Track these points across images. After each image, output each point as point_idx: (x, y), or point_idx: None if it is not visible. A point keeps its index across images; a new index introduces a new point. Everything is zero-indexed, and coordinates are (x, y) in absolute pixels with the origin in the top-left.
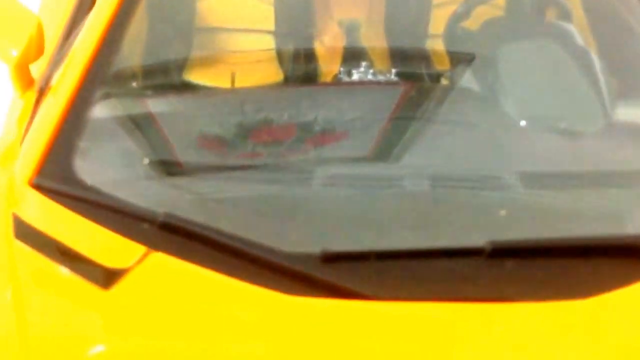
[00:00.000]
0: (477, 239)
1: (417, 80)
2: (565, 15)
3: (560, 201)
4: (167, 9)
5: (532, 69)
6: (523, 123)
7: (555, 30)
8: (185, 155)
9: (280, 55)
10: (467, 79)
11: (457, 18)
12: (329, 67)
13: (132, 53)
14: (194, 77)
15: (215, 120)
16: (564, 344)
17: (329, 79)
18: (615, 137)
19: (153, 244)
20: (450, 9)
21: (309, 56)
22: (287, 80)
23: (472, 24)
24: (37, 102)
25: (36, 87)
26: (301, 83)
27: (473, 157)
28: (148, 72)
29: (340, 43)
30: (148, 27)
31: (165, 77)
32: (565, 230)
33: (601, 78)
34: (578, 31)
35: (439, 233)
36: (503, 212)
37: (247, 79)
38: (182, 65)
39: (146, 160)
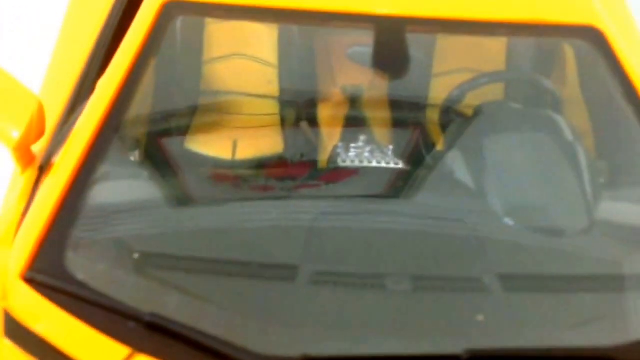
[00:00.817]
0: (454, 346)
1: (412, 157)
2: (556, 105)
3: (539, 305)
4: (173, 79)
5: (520, 162)
6: (508, 221)
7: (546, 122)
8: (176, 249)
9: (282, 121)
10: (458, 167)
11: (451, 102)
12: (330, 137)
13: (134, 129)
14: (196, 145)
15: (209, 219)
16: None
17: (329, 148)
18: (598, 237)
19: (138, 346)
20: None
21: (311, 122)
22: (287, 150)
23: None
24: (37, 181)
25: (37, 164)
26: (299, 157)
27: (455, 255)
28: (150, 142)
29: (343, 109)
30: (150, 105)
31: (167, 147)
32: (542, 337)
33: (587, 175)
34: (567, 124)
35: (416, 337)
36: (480, 318)
37: (249, 149)
38: (184, 131)
39: (136, 255)
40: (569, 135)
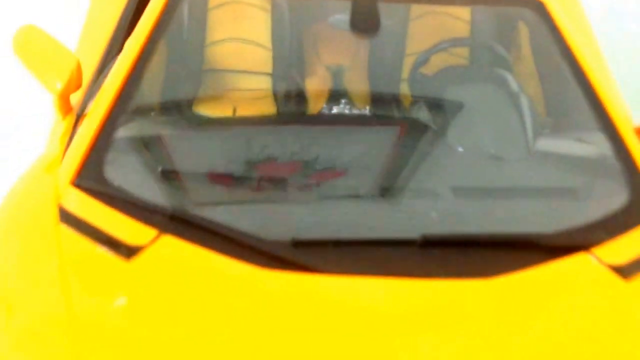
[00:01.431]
0: (413, 233)
1: (386, 116)
2: (506, 65)
3: (484, 208)
4: (180, 54)
5: (472, 107)
6: (460, 149)
7: (495, 77)
8: (187, 166)
9: (275, 94)
10: (424, 116)
11: (417, 65)
12: (315, 104)
13: (152, 88)
14: (201, 110)
15: (214, 144)
16: (470, 308)
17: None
18: (532, 163)
19: (163, 229)
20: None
21: (299, 94)
22: (279, 115)
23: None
24: (75, 125)
25: (74, 113)
26: (291, 117)
27: (416, 171)
28: (164, 104)
29: (327, 85)
30: (165, 69)
31: (178, 109)
32: (480, 229)
33: (528, 119)
34: (513, 79)
35: (385, 228)
36: (434, 215)
37: (246, 113)
38: (191, 100)
39: (158, 169)
40: (514, 87)
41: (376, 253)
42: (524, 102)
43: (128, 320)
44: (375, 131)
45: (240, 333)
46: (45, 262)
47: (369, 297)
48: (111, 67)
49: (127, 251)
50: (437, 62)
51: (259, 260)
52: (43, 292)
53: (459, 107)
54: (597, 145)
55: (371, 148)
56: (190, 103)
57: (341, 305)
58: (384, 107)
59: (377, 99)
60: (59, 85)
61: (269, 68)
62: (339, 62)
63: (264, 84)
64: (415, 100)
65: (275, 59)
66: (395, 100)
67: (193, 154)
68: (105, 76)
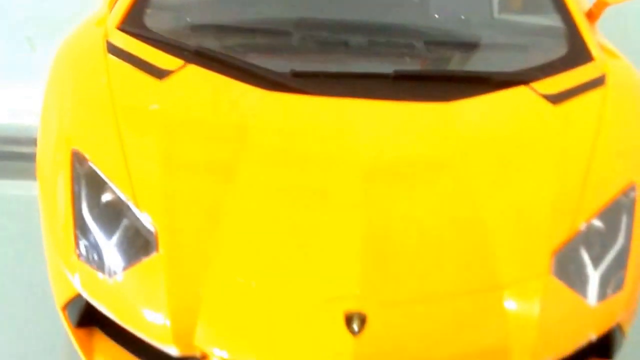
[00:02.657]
0: (389, 70)
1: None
2: None
3: (445, 54)
4: None
5: None
6: (436, 16)
7: None
8: (208, 15)
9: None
10: None
11: None
12: None
13: None
14: None
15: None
16: (430, 123)
17: None
18: (493, 26)
19: (188, 60)
20: None
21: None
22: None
23: None
24: None
25: None
26: None
27: (398, 28)
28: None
29: None
30: None
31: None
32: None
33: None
34: None
35: (366, 66)
36: (407, 60)
37: None
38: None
39: (186, 17)
40: None
41: (359, 82)
42: None
43: (159, 116)
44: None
45: (248, 133)
46: (96, 82)
47: (351, 111)
48: None
49: (160, 73)
50: None
51: (265, 86)
52: (94, 103)
53: None
54: (549, 18)
55: (367, 13)
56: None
57: (329, 115)
58: None
59: None
60: None
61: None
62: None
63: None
64: None
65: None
66: None
67: (212, 6)
68: None
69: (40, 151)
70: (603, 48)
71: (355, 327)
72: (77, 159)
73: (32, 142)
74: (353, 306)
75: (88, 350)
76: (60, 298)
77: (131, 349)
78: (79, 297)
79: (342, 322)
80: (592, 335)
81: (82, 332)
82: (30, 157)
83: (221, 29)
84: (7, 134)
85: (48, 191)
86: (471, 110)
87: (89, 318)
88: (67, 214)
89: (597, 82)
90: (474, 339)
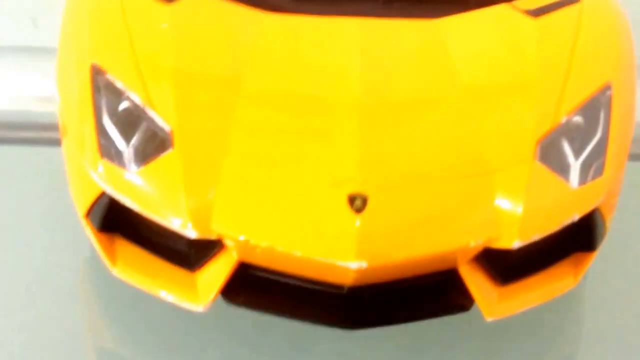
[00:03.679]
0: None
1: None
2: None
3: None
4: None
5: None
6: None
7: None
8: None
9: None
10: None
11: None
12: None
13: None
14: None
15: None
16: (417, 37)
17: None
18: None
19: None
20: None
21: None
22: None
23: None
24: None
25: None
26: None
27: None
28: None
29: None
30: None
31: None
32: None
33: None
34: None
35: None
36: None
37: None
38: None
39: None
40: None
41: (353, 2)
42: None
43: (169, 34)
44: None
45: (250, 50)
46: (111, 5)
47: (346, 28)
48: None
49: None
50: None
51: (267, 8)
52: (109, 23)
53: None
54: None
55: None
56: None
57: (326, 32)
58: None
59: None
60: None
61: None
62: None
63: None
64: None
65: None
66: None
67: None
68: None
69: (60, 67)
70: None
71: (358, 206)
72: (97, 72)
73: None
74: (355, 189)
75: (111, 254)
76: (83, 204)
77: (151, 249)
78: (101, 197)
79: (345, 203)
80: (576, 215)
81: (104, 237)
82: None
83: None
84: None
85: (69, 103)
86: (458, 26)
87: (110, 224)
88: (90, 121)
89: None
90: (466, 218)
